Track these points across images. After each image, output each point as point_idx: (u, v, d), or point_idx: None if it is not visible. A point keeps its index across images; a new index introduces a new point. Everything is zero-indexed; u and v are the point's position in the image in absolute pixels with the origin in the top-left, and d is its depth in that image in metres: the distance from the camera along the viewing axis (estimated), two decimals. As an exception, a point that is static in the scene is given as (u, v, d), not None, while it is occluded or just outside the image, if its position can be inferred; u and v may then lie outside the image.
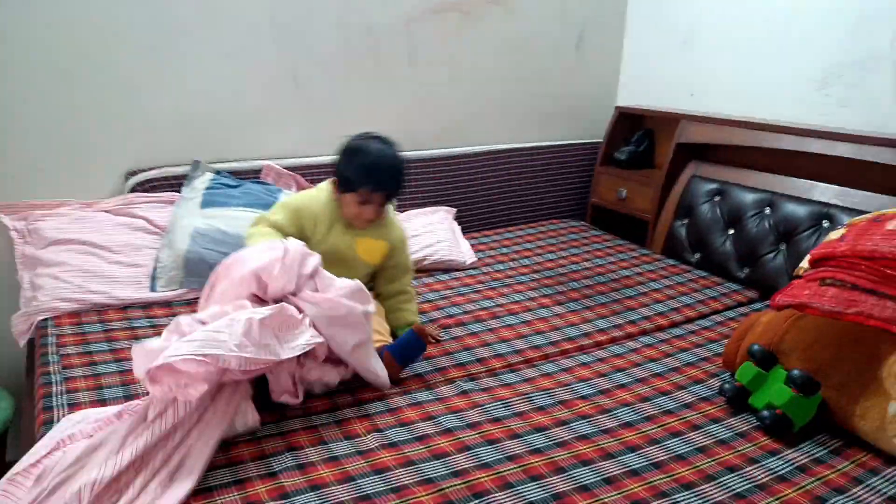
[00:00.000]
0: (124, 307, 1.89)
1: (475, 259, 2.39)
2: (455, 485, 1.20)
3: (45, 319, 1.79)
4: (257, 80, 2.31)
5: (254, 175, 2.32)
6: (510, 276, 2.29)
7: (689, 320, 2.00)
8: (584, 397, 1.53)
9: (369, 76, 2.51)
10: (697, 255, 2.46)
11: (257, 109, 2.34)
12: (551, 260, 2.47)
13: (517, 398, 1.52)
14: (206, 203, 2.12)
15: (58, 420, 1.34)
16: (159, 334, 1.51)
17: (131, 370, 1.30)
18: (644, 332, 1.92)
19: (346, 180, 1.67)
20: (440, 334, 1.80)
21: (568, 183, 3.01)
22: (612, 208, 2.87)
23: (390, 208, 1.79)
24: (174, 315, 1.77)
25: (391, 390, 1.55)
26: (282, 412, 1.42)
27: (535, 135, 2.94)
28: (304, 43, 2.35)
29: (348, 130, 2.50)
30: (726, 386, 1.51)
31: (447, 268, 2.32)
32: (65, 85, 2.03)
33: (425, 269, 2.30)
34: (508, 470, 1.25)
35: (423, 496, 1.17)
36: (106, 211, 2.11)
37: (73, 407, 1.39)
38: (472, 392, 1.54)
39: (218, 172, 2.24)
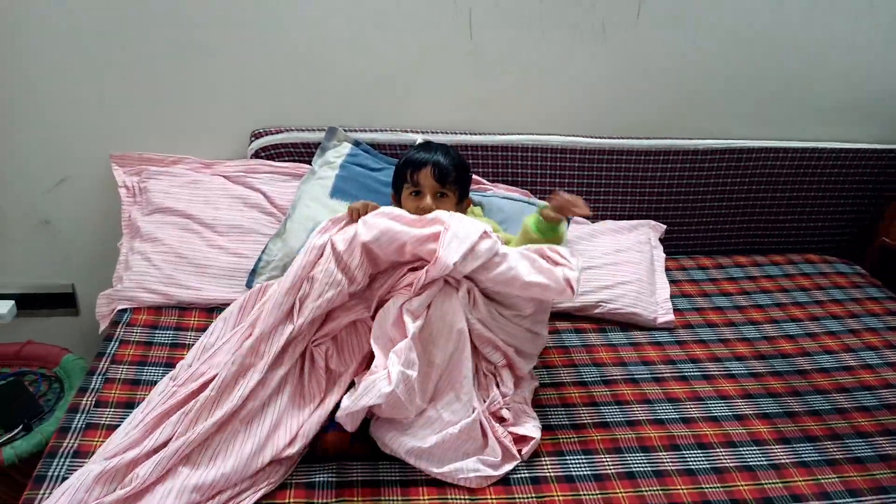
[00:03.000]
0: (211, 308, 1.56)
1: (670, 317, 1.69)
2: None
3: (124, 310, 1.54)
4: (417, 26, 1.73)
5: (402, 152, 1.81)
6: (717, 359, 1.57)
7: None
8: None
9: (574, 31, 1.79)
10: None
11: (414, 63, 1.77)
12: (791, 336, 1.68)
13: None
14: (337, 190, 1.69)
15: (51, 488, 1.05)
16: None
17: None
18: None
19: (395, 183, 1.55)
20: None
21: (842, 206, 2.06)
22: (913, 261, 1.91)
23: (470, 211, 1.60)
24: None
25: None
26: None
27: (805, 131, 2.01)
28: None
29: (530, 104, 1.89)
30: None
31: (626, 323, 1.66)
32: (190, 26, 1.65)
33: (594, 319, 1.67)
34: None
35: None
36: (224, 176, 1.77)
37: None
38: None
39: (357, 144, 1.78)
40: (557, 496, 1.17)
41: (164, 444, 1.10)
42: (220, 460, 1.11)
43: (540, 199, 1.81)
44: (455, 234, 1.22)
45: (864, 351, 1.64)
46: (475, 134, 1.84)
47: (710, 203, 2.00)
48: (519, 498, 1.16)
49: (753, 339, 1.65)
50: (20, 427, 1.53)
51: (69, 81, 1.68)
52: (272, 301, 1.25)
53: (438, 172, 1.46)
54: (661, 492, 1.20)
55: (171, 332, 1.48)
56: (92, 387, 1.30)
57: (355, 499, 1.13)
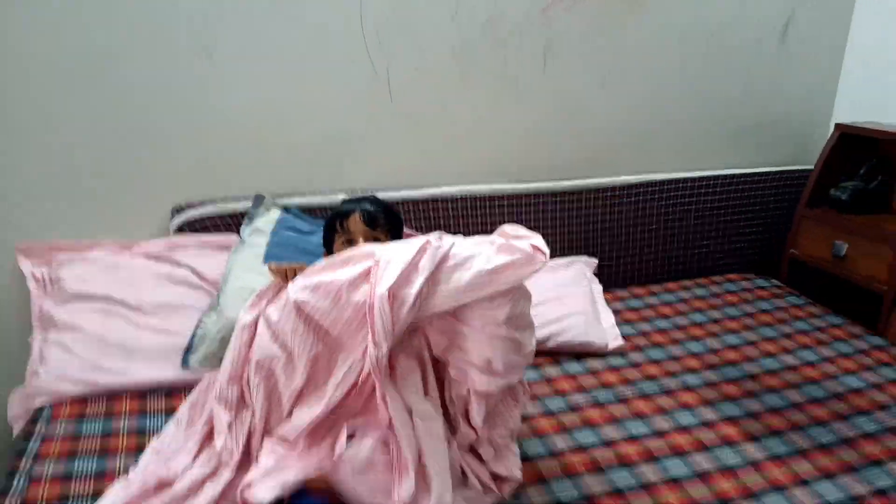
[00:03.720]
0: (143, 393, 1.43)
1: (621, 342, 1.71)
2: None
3: (43, 407, 1.37)
4: (338, 88, 1.76)
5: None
6: (672, 374, 1.59)
7: None
8: None
9: (489, 84, 1.88)
10: (973, 361, 1.62)
11: (338, 128, 1.80)
12: (734, 347, 1.73)
13: None
14: (271, 256, 1.62)
15: None
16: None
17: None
18: (907, 516, 1.16)
19: (325, 239, 1.47)
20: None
21: (755, 227, 2.22)
22: (822, 267, 2.05)
23: None
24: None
25: None
26: None
27: (711, 160, 2.18)
28: (403, 39, 1.77)
29: (457, 156, 1.94)
30: None
31: (581, 352, 1.67)
32: (98, 98, 1.60)
33: (549, 353, 1.66)
34: None
35: None
36: (146, 255, 1.67)
37: None
38: None
39: (287, 209, 1.74)
40: (550, 525, 1.11)
41: None
42: None
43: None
44: (387, 262, 1.12)
45: (800, 350, 1.72)
46: (403, 189, 1.85)
47: (634, 235, 2.08)
48: (512, 531, 1.09)
49: (700, 353, 1.69)
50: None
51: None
52: (214, 402, 1.16)
53: (368, 217, 1.42)
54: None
55: (101, 422, 1.33)
56: (14, 489, 1.14)
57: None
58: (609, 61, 1.97)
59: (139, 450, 1.23)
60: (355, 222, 1.42)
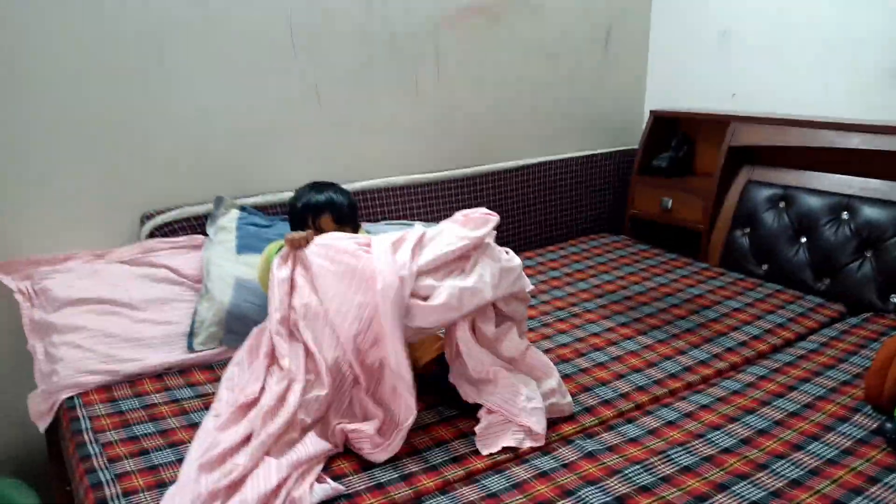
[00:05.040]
0: (160, 375, 1.62)
1: (531, 287, 2.18)
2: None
3: (71, 397, 1.52)
4: (274, 99, 2.06)
5: (281, 209, 2.07)
6: (574, 304, 2.09)
7: (789, 342, 1.83)
8: (727, 450, 1.34)
9: (394, 90, 2.28)
10: (765, 267, 2.30)
11: (277, 134, 2.09)
12: (609, 282, 2.28)
13: (655, 458, 1.31)
14: (243, 248, 1.86)
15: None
16: (206, 405, 1.45)
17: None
18: (748, 361, 1.74)
19: (297, 226, 1.63)
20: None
21: (602, 196, 2.83)
22: (655, 220, 2.70)
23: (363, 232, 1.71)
24: (217, 379, 1.52)
25: (500, 455, 1.33)
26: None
27: (566, 146, 2.76)
28: (324, 55, 2.11)
29: (375, 152, 2.32)
30: (888, 425, 1.33)
31: (505, 298, 2.11)
32: (59, 121, 1.75)
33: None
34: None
35: None
36: (122, 262, 1.83)
37: (138, 517, 1.13)
38: (599, 453, 1.33)
39: (243, 209, 1.99)
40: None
41: (246, 440, 1.22)
42: (294, 449, 1.25)
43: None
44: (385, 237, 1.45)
45: (655, 277, 2.30)
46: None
47: (515, 210, 2.59)
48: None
49: (588, 289, 2.21)
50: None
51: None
52: (273, 335, 1.39)
53: (338, 216, 1.61)
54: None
55: (136, 399, 1.51)
56: (93, 453, 1.31)
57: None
58: (482, 69, 2.46)
59: (182, 411, 1.46)
60: (327, 222, 1.60)
